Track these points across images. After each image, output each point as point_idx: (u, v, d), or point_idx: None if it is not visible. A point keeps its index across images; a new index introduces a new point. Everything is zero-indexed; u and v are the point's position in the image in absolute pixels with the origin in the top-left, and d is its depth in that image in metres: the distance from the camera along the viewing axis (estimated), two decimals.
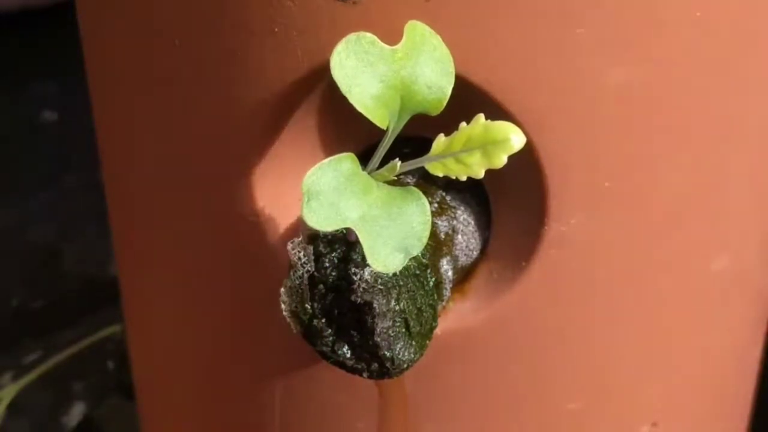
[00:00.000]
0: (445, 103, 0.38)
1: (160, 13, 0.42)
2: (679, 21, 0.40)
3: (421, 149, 0.38)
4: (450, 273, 0.42)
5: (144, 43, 0.43)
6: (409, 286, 0.38)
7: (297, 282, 0.38)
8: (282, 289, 0.39)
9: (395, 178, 0.38)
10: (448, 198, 0.43)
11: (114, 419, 0.75)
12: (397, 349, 0.38)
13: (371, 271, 0.38)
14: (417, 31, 0.38)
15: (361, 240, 0.36)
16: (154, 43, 0.42)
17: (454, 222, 0.42)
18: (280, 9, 0.39)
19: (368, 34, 0.37)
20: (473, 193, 0.43)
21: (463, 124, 0.37)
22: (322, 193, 0.36)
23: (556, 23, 0.38)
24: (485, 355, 0.45)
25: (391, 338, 0.38)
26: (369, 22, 0.38)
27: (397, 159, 0.37)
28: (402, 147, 0.39)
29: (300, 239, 0.39)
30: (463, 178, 0.37)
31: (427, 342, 0.39)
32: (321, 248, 0.38)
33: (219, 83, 0.41)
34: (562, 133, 0.40)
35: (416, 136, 0.40)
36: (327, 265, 0.38)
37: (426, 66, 0.37)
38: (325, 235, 0.38)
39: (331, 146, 0.42)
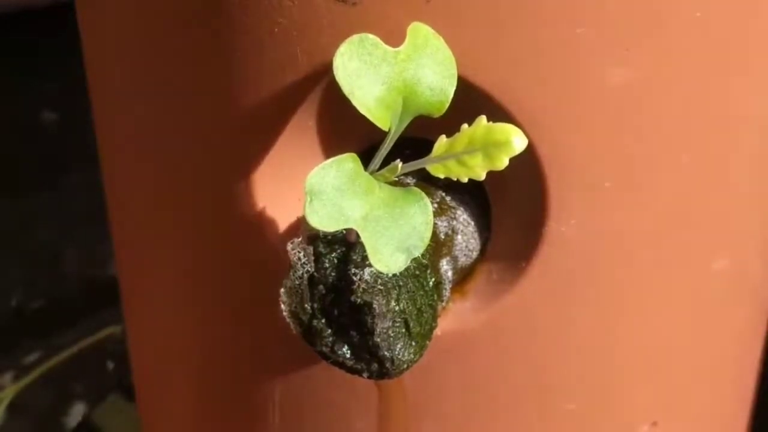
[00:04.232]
0: (447, 105, 0.38)
1: (160, 13, 0.42)
2: (679, 21, 0.40)
3: (421, 150, 0.38)
4: (450, 273, 0.42)
5: (143, 43, 0.43)
6: (408, 286, 0.38)
7: (297, 282, 0.38)
8: (282, 290, 0.39)
9: (396, 178, 0.38)
10: (447, 198, 0.43)
11: (114, 419, 0.75)
12: (397, 349, 0.38)
13: (371, 271, 0.38)
14: (420, 33, 0.38)
15: (363, 240, 0.36)
16: (153, 44, 0.42)
17: (454, 222, 0.42)
18: (280, 9, 0.39)
19: (371, 36, 0.37)
20: (473, 194, 0.43)
21: (465, 125, 0.37)
22: (325, 192, 0.36)
23: (557, 24, 0.38)
24: (485, 356, 0.45)
25: (391, 338, 0.38)
26: (369, 23, 0.38)
27: (399, 160, 0.37)
28: (402, 148, 0.39)
29: (300, 239, 0.39)
30: (465, 180, 0.37)
31: (427, 342, 0.39)
32: (321, 249, 0.38)
33: (219, 83, 0.41)
34: (562, 133, 0.40)
35: (416, 136, 0.40)
36: (327, 265, 0.38)
37: (428, 68, 0.37)
38: (325, 235, 0.38)
39: (331, 146, 0.42)
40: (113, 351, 0.77)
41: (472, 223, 0.43)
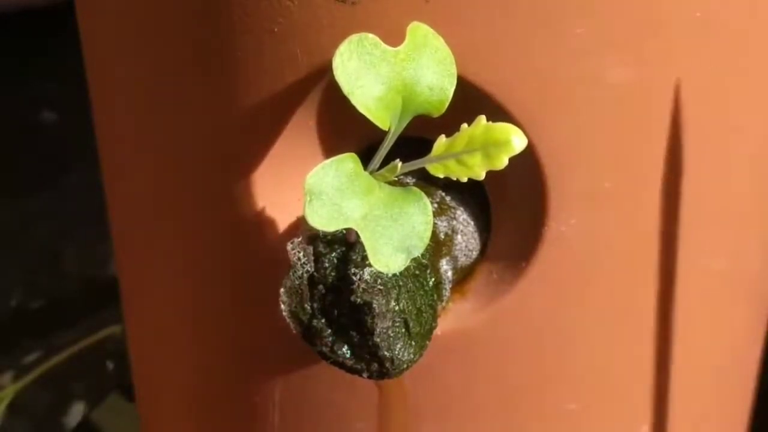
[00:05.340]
0: (447, 105, 0.38)
1: (160, 13, 0.42)
2: (679, 21, 0.40)
3: (420, 149, 0.38)
4: (449, 273, 0.42)
5: (143, 43, 0.43)
6: (408, 286, 0.38)
7: (297, 282, 0.38)
8: (282, 289, 0.39)
9: (395, 178, 0.38)
10: (447, 198, 0.43)
11: (114, 419, 0.75)
12: (397, 349, 0.38)
13: (371, 271, 0.38)
14: (419, 32, 0.38)
15: (363, 240, 0.36)
16: (153, 43, 0.42)
17: (454, 222, 0.42)
18: (280, 9, 0.39)
19: (371, 36, 0.37)
20: (473, 194, 0.43)
21: (465, 125, 0.37)
22: (324, 192, 0.36)
23: (556, 24, 0.39)
24: (485, 355, 0.45)
25: (391, 338, 0.38)
26: (368, 23, 0.38)
27: (398, 160, 0.37)
28: (402, 147, 0.39)
29: (300, 239, 0.39)
30: (464, 179, 0.37)
31: (427, 342, 0.39)
32: (320, 248, 0.38)
33: (219, 83, 0.41)
34: (562, 133, 0.40)
35: (416, 136, 0.40)
36: (326, 265, 0.38)
37: (428, 67, 0.37)
38: (325, 235, 0.38)
39: (331, 146, 0.42)
40: (113, 351, 0.77)
41: (472, 223, 0.43)
